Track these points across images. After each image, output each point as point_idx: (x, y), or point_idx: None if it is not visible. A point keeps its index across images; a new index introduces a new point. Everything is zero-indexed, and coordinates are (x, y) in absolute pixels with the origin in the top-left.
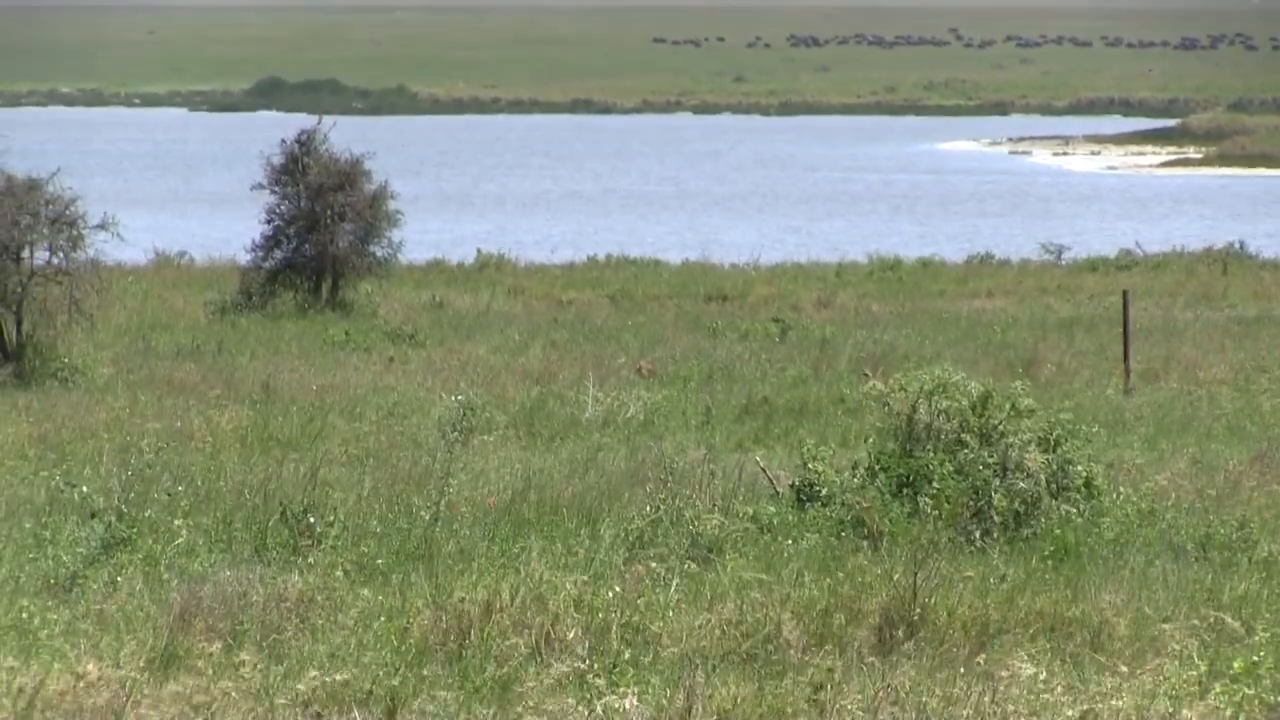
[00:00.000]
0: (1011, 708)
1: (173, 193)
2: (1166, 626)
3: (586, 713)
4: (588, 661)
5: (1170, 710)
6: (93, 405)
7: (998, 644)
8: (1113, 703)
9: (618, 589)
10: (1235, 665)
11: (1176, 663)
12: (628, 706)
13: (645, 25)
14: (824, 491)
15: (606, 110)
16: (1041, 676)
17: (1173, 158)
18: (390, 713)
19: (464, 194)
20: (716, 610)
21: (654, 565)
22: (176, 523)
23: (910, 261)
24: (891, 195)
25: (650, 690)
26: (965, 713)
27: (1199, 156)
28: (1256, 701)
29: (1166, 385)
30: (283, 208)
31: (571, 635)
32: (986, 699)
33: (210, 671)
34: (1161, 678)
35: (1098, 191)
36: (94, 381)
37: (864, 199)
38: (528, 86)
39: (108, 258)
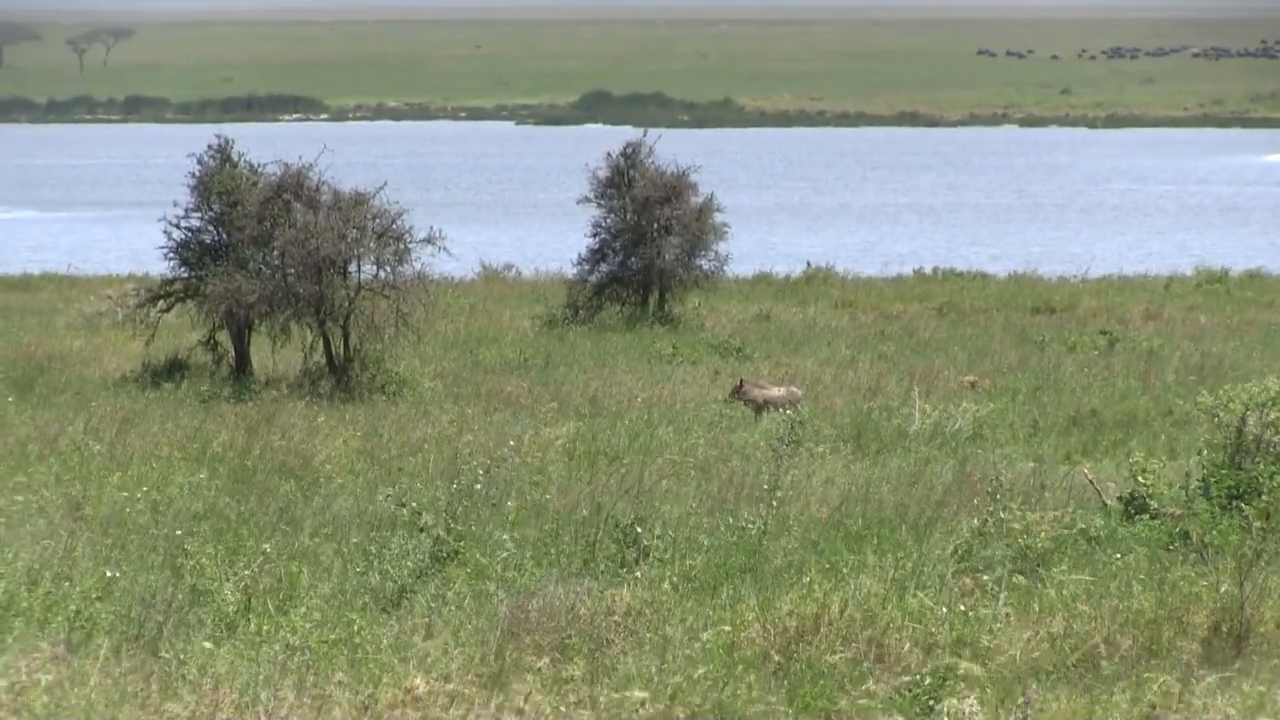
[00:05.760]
0: None
1: (499, 206)
2: None
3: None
4: (919, 675)
5: None
6: (418, 419)
7: None
8: None
9: (945, 603)
10: None
11: None
12: (967, 710)
13: (970, 38)
14: (1153, 504)
15: (932, 123)
16: None
17: None
18: None
19: (805, 206)
20: (1044, 623)
21: (982, 577)
22: (504, 536)
23: (1238, 274)
24: (1237, 208)
25: (985, 701)
26: None
27: None
28: None
29: None
30: (609, 221)
31: (901, 648)
32: None
33: (539, 685)
34: None
35: None
36: (420, 395)
37: (1210, 211)
38: (853, 99)
39: (434, 271)
